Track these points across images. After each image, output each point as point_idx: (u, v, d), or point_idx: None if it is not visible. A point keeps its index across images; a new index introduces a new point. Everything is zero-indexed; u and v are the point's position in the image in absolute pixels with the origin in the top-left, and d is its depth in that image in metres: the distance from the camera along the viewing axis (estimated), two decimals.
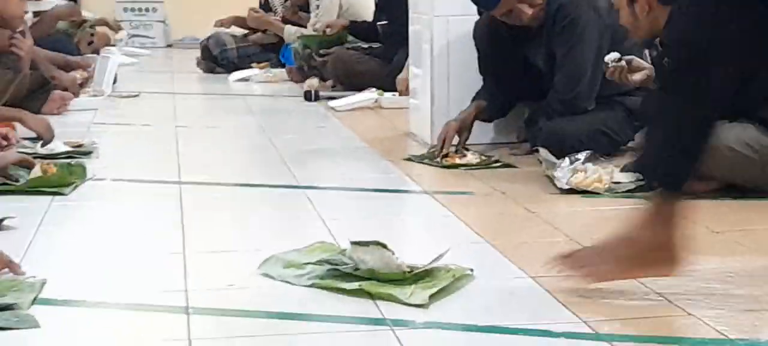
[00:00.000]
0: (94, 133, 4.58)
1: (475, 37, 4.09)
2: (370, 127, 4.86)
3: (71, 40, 6.28)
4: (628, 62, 3.48)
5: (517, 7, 3.81)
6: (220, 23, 8.11)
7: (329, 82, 6.35)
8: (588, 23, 3.81)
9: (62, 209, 3.13)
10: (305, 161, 3.99)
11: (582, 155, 3.37)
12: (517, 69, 4.01)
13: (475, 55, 4.15)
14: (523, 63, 3.99)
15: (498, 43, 3.99)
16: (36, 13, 6.08)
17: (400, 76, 5.60)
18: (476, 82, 4.17)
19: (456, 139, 4.00)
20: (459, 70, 4.25)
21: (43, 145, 4.01)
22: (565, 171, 3.32)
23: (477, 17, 4.11)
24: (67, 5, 6.63)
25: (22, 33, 4.81)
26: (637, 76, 3.47)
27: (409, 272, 2.30)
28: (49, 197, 3.24)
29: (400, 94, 5.57)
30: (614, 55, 3.49)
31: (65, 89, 5.35)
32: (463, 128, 4.00)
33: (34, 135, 4.19)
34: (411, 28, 4.61)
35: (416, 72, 4.57)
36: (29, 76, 5.04)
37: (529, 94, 4.09)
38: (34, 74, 5.12)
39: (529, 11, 3.82)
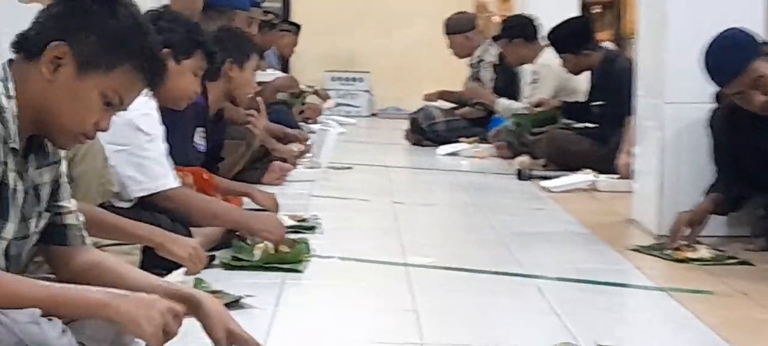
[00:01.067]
0: (313, 206, 4.63)
1: (711, 126, 3.95)
2: (589, 212, 4.75)
3: (289, 111, 6.42)
4: None
5: (749, 91, 3.64)
6: (428, 97, 8.17)
7: (540, 161, 6.27)
8: None
9: (296, 288, 3.16)
10: (528, 246, 3.92)
11: None
12: (755, 160, 3.83)
13: (707, 143, 4.02)
14: (763, 154, 3.81)
15: (736, 133, 3.83)
16: (258, 84, 6.24)
17: (622, 161, 5.47)
18: (707, 171, 4.02)
19: (687, 232, 3.85)
20: (690, 158, 4.11)
21: None
22: None
23: (712, 105, 3.97)
24: (287, 77, 6.79)
25: (259, 109, 4.94)
26: None
27: None
28: (282, 275, 3.27)
29: (621, 177, 5.44)
30: None
31: (284, 160, 5.45)
32: (696, 221, 3.85)
33: (257, 208, 4.27)
34: (638, 113, 4.50)
35: (642, 158, 4.45)
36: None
37: (766, 187, 3.91)
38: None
39: (761, 98, 3.64)
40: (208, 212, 3.45)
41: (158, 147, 3.35)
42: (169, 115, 3.69)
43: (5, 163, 1.99)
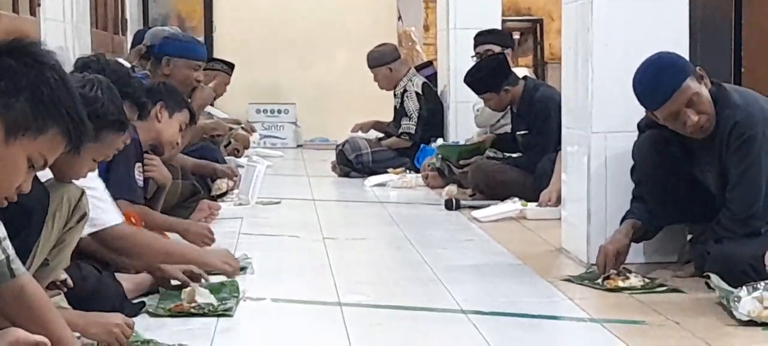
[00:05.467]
0: (243, 245, 4.59)
1: (635, 155, 3.97)
2: (519, 242, 4.76)
3: (216, 147, 6.36)
4: None
5: (684, 110, 3.64)
6: (359, 127, 8.15)
7: (468, 190, 6.29)
8: (765, 141, 3.65)
9: (229, 333, 3.11)
10: (462, 280, 3.91)
11: (762, 284, 3.22)
12: (681, 188, 3.88)
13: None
14: (692, 181, 3.86)
15: (663, 161, 3.87)
16: None
17: (544, 191, 5.51)
18: None
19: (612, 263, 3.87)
20: (616, 187, 4.14)
21: None
22: (743, 301, 3.17)
23: (636, 134, 4.01)
24: (214, 121, 6.75)
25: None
26: None
27: None
28: (214, 320, 3.23)
29: (540, 205, 5.47)
30: None
31: (212, 198, 5.42)
32: (621, 252, 3.87)
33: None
34: (564, 143, 4.54)
35: (569, 187, 4.48)
36: (180, 186, 5.11)
37: (693, 215, 3.96)
38: (185, 184, 5.18)
39: (695, 118, 3.64)
40: (161, 251, 3.49)
41: (99, 185, 3.32)
42: (122, 152, 3.70)
43: None
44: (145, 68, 5.70)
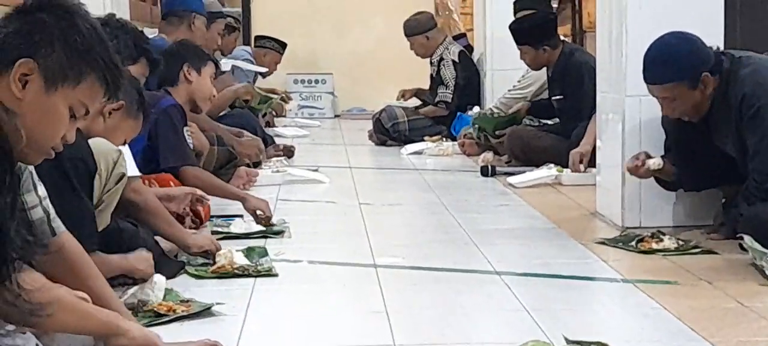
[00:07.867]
0: (281, 211, 4.64)
1: (664, 122, 4.01)
2: (554, 206, 4.79)
3: (253, 115, 6.43)
4: None
5: (658, 99, 3.77)
6: (402, 94, 8.18)
7: (504, 157, 6.31)
8: None
9: (267, 294, 3.16)
10: (496, 243, 3.95)
11: None
12: (708, 154, 3.90)
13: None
14: (715, 149, 3.87)
15: (688, 129, 3.89)
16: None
17: (573, 151, 5.52)
18: None
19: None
20: (651, 150, 4.13)
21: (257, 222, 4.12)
22: None
23: None
24: (246, 85, 6.81)
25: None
26: None
27: None
28: (252, 281, 3.29)
29: (572, 170, 5.47)
30: None
31: (248, 164, 5.48)
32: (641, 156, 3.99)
33: (227, 215, 4.32)
34: (599, 107, 4.54)
35: (604, 151, 4.49)
36: (216, 152, 5.17)
37: (724, 178, 3.97)
38: (220, 150, 5.25)
39: (663, 111, 3.81)
40: (166, 220, 3.45)
41: None
42: (168, 118, 3.98)
43: None
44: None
